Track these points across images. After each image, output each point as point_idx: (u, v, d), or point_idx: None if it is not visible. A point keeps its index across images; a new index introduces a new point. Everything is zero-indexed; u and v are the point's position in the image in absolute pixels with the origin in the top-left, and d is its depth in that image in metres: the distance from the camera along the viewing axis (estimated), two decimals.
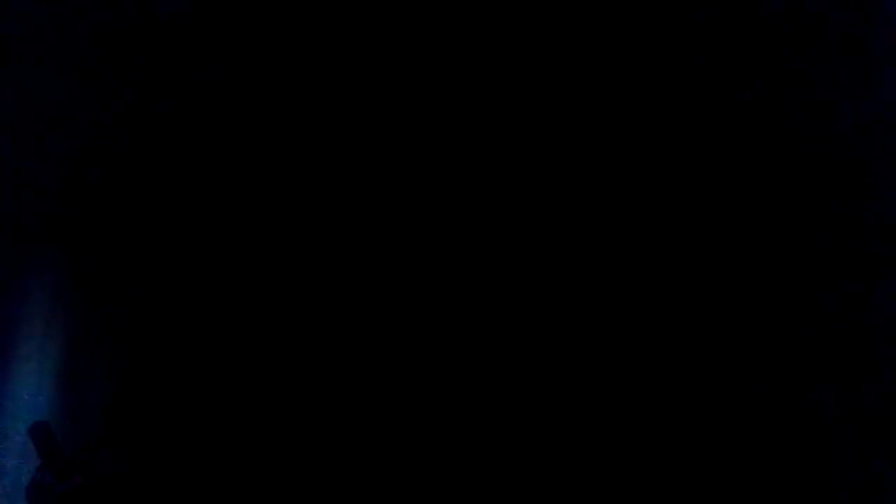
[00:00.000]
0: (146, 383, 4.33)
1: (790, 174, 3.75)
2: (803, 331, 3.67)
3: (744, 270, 3.78)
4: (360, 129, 4.24)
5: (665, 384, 3.77)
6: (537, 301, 3.98)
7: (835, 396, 3.57)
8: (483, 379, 3.97)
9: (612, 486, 3.74)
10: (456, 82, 4.13)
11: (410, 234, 4.14)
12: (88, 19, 4.36)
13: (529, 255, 4.02)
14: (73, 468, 3.71)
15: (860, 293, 3.60)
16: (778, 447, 3.60)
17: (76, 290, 4.54)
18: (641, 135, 3.92)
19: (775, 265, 3.74)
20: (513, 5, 4.00)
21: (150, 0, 4.26)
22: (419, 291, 4.11)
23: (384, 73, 4.20)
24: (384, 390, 4.05)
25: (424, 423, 3.98)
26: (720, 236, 3.82)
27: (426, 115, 4.16)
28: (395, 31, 4.14)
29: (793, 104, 3.74)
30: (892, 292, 3.55)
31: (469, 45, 4.09)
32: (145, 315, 4.43)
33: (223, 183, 4.36)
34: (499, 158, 4.09)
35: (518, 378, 3.94)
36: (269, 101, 4.32)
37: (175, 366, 4.31)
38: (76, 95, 4.47)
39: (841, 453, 3.53)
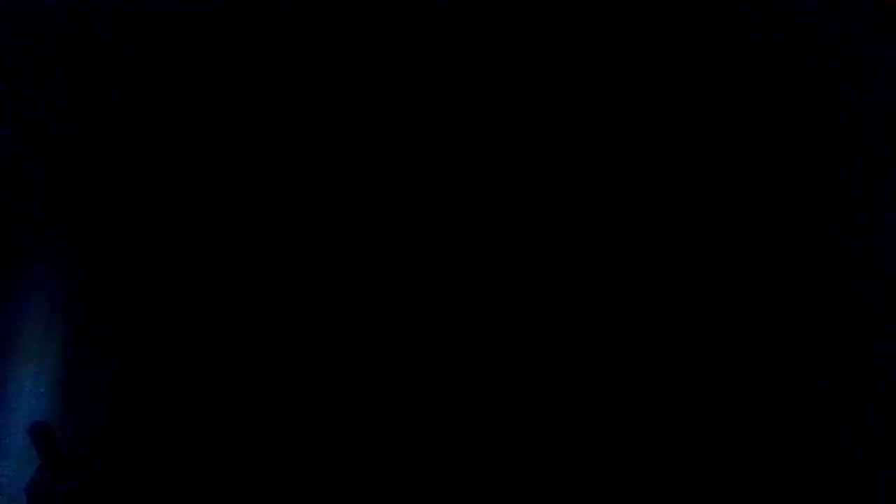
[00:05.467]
0: (146, 384, 4.33)
1: (789, 170, 3.75)
2: (800, 328, 3.67)
3: (743, 268, 3.78)
4: (359, 130, 4.24)
5: (664, 382, 3.77)
6: (537, 301, 3.98)
7: (833, 395, 3.58)
8: (483, 379, 3.97)
9: (612, 485, 3.75)
10: (455, 83, 4.13)
11: (409, 235, 4.14)
12: (89, 17, 4.36)
13: (529, 254, 4.02)
14: (73, 468, 3.72)
15: (860, 292, 3.60)
16: (775, 445, 3.61)
17: (76, 290, 4.54)
18: (642, 134, 3.93)
19: (774, 262, 3.74)
20: (516, 5, 4.00)
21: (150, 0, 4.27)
22: (418, 292, 4.11)
23: (382, 73, 4.20)
24: (383, 392, 4.05)
25: (424, 424, 3.98)
26: (719, 234, 3.82)
27: (425, 116, 4.16)
28: (393, 31, 4.14)
29: (795, 100, 3.74)
30: (891, 290, 3.56)
31: (468, 45, 4.09)
32: (145, 315, 4.43)
33: (223, 183, 4.36)
34: (499, 158, 4.09)
35: (517, 378, 3.94)
36: (268, 100, 4.32)
37: (175, 366, 4.31)
38: (76, 92, 4.47)
39: (839, 452, 3.53)
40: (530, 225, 4.02)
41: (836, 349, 3.59)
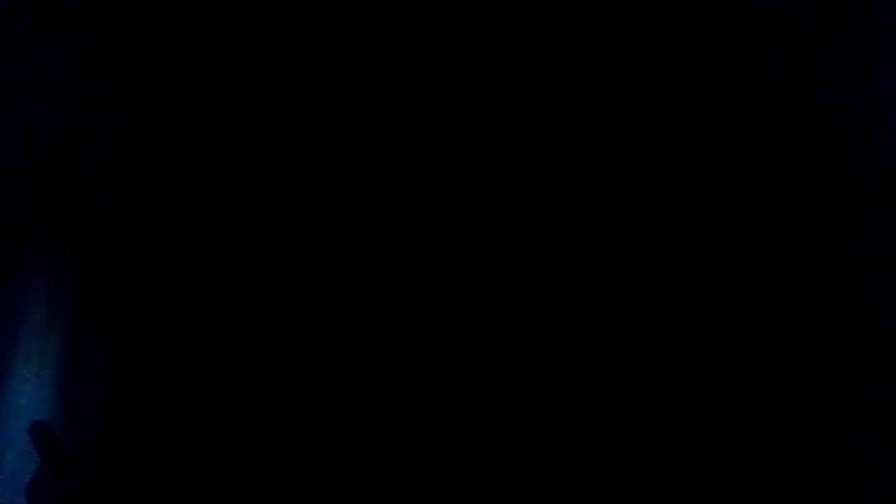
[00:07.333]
0: (146, 383, 4.34)
1: (793, 175, 3.75)
2: (799, 330, 3.67)
3: (745, 272, 3.78)
4: (359, 130, 4.25)
5: (664, 383, 3.78)
6: (537, 302, 3.98)
7: (832, 393, 3.57)
8: (483, 379, 3.98)
9: (611, 485, 3.75)
10: (455, 82, 4.13)
11: (410, 235, 4.15)
12: (88, 20, 4.36)
13: (530, 255, 4.02)
14: (73, 468, 3.72)
15: (860, 294, 3.60)
16: (774, 444, 3.61)
17: (76, 290, 4.55)
18: (643, 136, 3.93)
19: (777, 267, 3.74)
20: (513, 5, 4.00)
21: (149, 1, 4.27)
22: (419, 292, 4.11)
23: (383, 73, 4.20)
24: (384, 391, 4.06)
25: (424, 424, 3.99)
26: (722, 238, 3.82)
27: (426, 116, 4.17)
28: (393, 30, 4.15)
29: (797, 105, 3.74)
30: (890, 294, 3.55)
31: (468, 44, 4.09)
32: (145, 315, 4.43)
33: (223, 183, 4.37)
34: (500, 158, 4.10)
35: (518, 379, 3.95)
36: (268, 100, 4.32)
37: (175, 366, 4.32)
38: (75, 94, 4.48)
39: (838, 451, 3.53)
40: (533, 225, 4.03)
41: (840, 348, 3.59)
